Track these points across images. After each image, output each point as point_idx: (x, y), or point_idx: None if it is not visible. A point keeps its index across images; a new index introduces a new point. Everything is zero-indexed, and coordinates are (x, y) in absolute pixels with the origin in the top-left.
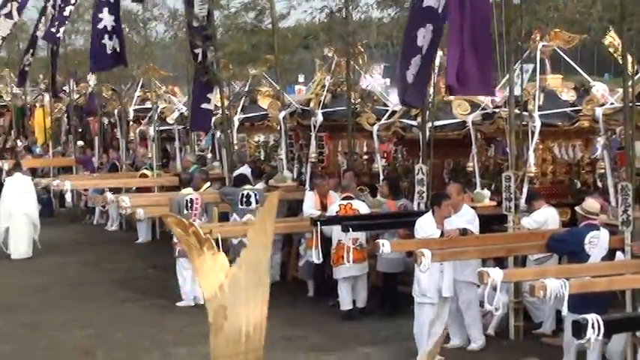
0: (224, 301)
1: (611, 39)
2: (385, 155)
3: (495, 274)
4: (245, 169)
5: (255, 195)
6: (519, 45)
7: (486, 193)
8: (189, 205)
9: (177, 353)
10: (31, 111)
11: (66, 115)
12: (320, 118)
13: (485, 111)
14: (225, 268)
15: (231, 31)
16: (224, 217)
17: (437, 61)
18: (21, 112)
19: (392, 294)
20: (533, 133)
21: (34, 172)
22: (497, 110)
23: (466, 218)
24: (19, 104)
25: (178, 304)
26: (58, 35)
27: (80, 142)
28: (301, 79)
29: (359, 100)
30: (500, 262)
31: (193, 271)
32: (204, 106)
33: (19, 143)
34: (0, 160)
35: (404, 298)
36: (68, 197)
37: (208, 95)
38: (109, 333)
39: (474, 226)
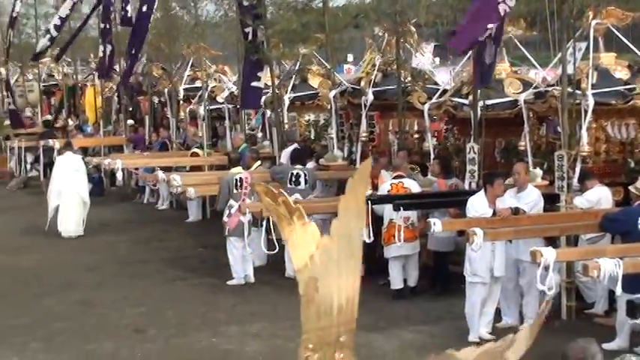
0: (315, 273)
1: None
2: (436, 134)
3: (548, 253)
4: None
5: (305, 175)
6: (572, 23)
7: (538, 172)
8: (238, 184)
9: (228, 332)
10: (82, 90)
11: (116, 94)
12: (371, 97)
13: (538, 89)
14: (316, 238)
15: (281, 10)
16: None
17: None
18: (72, 91)
19: (443, 273)
20: (586, 111)
21: (85, 151)
22: (549, 89)
23: (531, 198)
24: (70, 83)
25: (229, 282)
26: (129, 15)
27: (131, 121)
28: (350, 58)
29: (409, 78)
30: (553, 242)
31: (285, 241)
32: (254, 84)
33: (70, 122)
34: (51, 139)
35: (455, 277)
36: (119, 176)
37: (258, 74)
38: (160, 311)
39: (539, 207)
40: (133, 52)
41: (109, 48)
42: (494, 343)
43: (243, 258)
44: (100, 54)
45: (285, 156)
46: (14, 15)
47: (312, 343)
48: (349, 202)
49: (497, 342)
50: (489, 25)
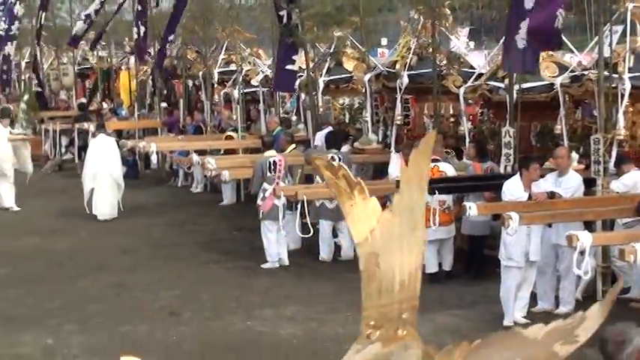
0: (376, 248)
1: None
2: (471, 118)
3: (584, 238)
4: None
5: (340, 158)
6: (609, 6)
7: (574, 156)
8: (272, 167)
9: (262, 315)
10: (116, 73)
11: (151, 77)
12: (406, 80)
13: (574, 73)
14: (378, 213)
15: None
16: (309, 179)
17: None
18: (106, 74)
19: (478, 257)
20: (622, 95)
21: (119, 134)
22: (585, 72)
23: (572, 184)
24: (105, 67)
25: (263, 265)
26: None
27: (164, 104)
28: (384, 42)
29: (445, 62)
30: (589, 226)
31: (345, 216)
32: (288, 67)
33: (104, 105)
34: (86, 122)
35: (490, 261)
36: (154, 159)
37: (293, 57)
38: (194, 294)
39: (579, 194)
40: (169, 35)
41: (142, 29)
42: (563, 321)
43: (277, 241)
44: (135, 36)
45: (319, 139)
46: None
47: (373, 320)
48: (411, 175)
49: (567, 319)
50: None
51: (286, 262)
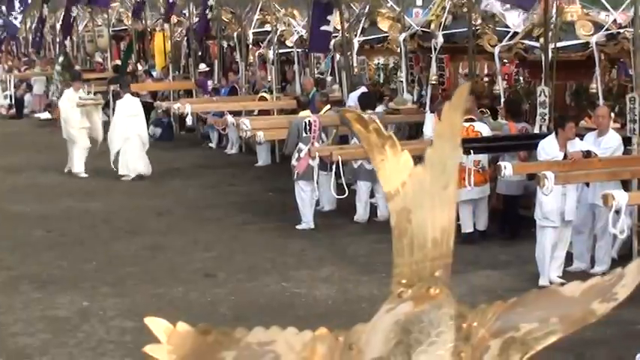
0: (407, 204)
1: None
2: (506, 77)
3: (620, 196)
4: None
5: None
6: None
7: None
8: (307, 127)
9: (298, 276)
10: (151, 35)
11: (186, 39)
12: (440, 40)
13: (610, 31)
14: (409, 167)
15: None
16: (344, 140)
17: None
18: (141, 36)
19: (512, 217)
20: None
21: (154, 96)
22: (621, 31)
23: (612, 144)
24: (140, 28)
25: (298, 226)
26: None
27: (203, 65)
28: (419, 2)
29: (480, 21)
30: (624, 186)
31: (376, 171)
32: (323, 28)
33: (139, 67)
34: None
35: (525, 221)
36: (189, 121)
37: (328, 17)
38: (230, 255)
39: (618, 154)
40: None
41: None
42: (601, 277)
43: (311, 202)
44: None
45: (352, 99)
46: None
47: (405, 278)
48: (444, 129)
49: (605, 276)
50: None
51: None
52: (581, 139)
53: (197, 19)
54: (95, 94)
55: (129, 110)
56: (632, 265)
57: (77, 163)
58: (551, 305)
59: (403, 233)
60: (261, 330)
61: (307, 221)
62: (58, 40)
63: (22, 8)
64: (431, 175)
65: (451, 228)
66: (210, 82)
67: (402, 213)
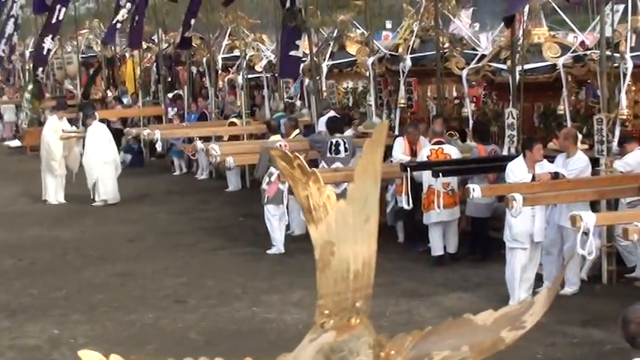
0: (331, 237)
1: None
2: (474, 99)
3: (588, 218)
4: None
5: (345, 143)
6: None
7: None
8: None
9: (269, 301)
10: (120, 61)
11: (155, 64)
12: (409, 63)
13: (576, 53)
14: (332, 202)
15: None
16: (314, 164)
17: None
18: (110, 62)
19: (482, 239)
20: (625, 74)
21: (124, 122)
22: (588, 52)
23: (578, 165)
24: (109, 55)
25: (268, 251)
26: None
27: (178, 92)
28: (388, 25)
29: (448, 44)
30: (594, 206)
31: (300, 206)
32: (292, 53)
33: (109, 94)
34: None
35: (495, 243)
36: (159, 147)
37: (297, 42)
38: (200, 281)
39: (585, 175)
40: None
41: (136, 17)
42: (511, 307)
43: (280, 226)
44: (135, 24)
45: (322, 123)
46: None
47: (327, 309)
48: (365, 166)
49: (515, 305)
50: None
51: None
52: (551, 161)
53: (166, 45)
54: (78, 125)
55: (101, 136)
56: (540, 295)
57: (53, 192)
58: (463, 334)
59: (326, 266)
60: None
61: (277, 246)
62: (27, 67)
63: None
64: (353, 209)
65: (372, 261)
66: (170, 110)
67: (325, 246)
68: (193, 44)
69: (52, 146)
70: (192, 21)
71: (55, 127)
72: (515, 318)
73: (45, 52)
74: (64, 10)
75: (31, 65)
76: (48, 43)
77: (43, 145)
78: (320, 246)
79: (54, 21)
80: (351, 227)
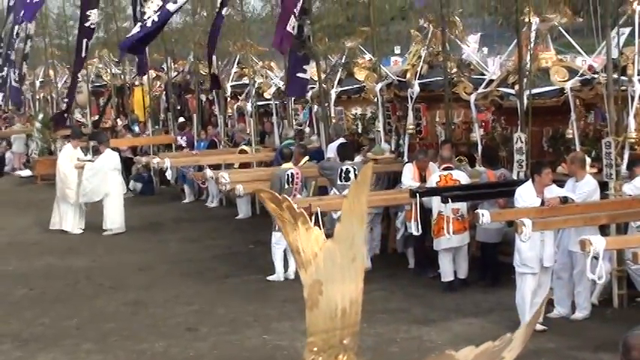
0: (319, 276)
1: None
2: (483, 124)
3: (597, 242)
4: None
5: (355, 170)
6: (615, 8)
7: (587, 160)
8: (290, 179)
9: (280, 328)
10: (130, 90)
11: (164, 93)
12: (417, 89)
13: (584, 77)
14: (320, 242)
15: (327, 4)
16: (324, 191)
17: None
18: (120, 91)
19: (492, 264)
20: (632, 97)
21: (134, 151)
22: (595, 76)
23: (586, 189)
24: (118, 83)
25: (269, 277)
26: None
27: (181, 119)
28: (397, 50)
29: (455, 69)
30: (603, 230)
31: (289, 246)
32: (299, 75)
33: (118, 122)
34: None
35: (505, 268)
36: (169, 175)
37: (304, 66)
38: (212, 309)
39: (594, 198)
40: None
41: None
42: (492, 343)
43: (281, 255)
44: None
45: (331, 150)
46: None
47: (316, 346)
48: (352, 206)
49: (496, 341)
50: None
51: (292, 275)
52: (561, 185)
53: (175, 73)
54: (86, 153)
55: (111, 164)
56: (519, 331)
57: (71, 222)
58: None
59: (315, 304)
60: None
61: (277, 274)
62: (37, 97)
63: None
64: (340, 249)
65: (359, 299)
66: (179, 138)
67: (314, 285)
68: (202, 72)
69: (67, 174)
70: (214, 57)
71: (70, 156)
72: (494, 354)
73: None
74: (90, 42)
75: (41, 95)
76: (80, 77)
77: (59, 174)
78: (309, 285)
79: (83, 55)
80: (338, 267)
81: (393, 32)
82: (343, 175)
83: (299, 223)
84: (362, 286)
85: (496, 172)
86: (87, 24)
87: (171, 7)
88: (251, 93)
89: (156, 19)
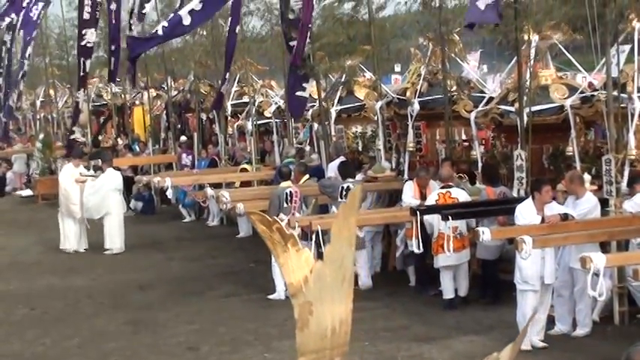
0: (309, 297)
1: None
2: (483, 142)
3: (598, 259)
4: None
5: None
6: (615, 26)
7: (587, 177)
8: (289, 197)
9: (280, 347)
10: (130, 109)
11: (165, 112)
12: (417, 107)
13: (584, 94)
14: (310, 263)
15: (327, 23)
16: (324, 209)
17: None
18: (120, 110)
19: (492, 282)
20: (632, 115)
21: (135, 170)
22: (595, 93)
23: (585, 206)
24: (119, 103)
25: (269, 296)
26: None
27: (183, 138)
28: (397, 68)
29: (455, 87)
30: (604, 247)
31: (279, 267)
32: (299, 93)
33: (119, 142)
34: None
35: (506, 285)
36: (169, 194)
37: (304, 84)
38: (213, 328)
39: (594, 215)
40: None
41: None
42: None
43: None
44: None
45: (332, 169)
46: None
47: None
48: (341, 228)
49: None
50: None
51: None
52: (562, 203)
53: (175, 92)
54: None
55: (112, 184)
56: (505, 351)
57: (75, 240)
58: None
59: (305, 325)
60: None
61: (278, 292)
62: (38, 117)
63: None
64: (330, 270)
65: (348, 319)
66: (185, 156)
67: (304, 306)
68: (202, 91)
69: (69, 190)
70: (227, 74)
71: (71, 173)
72: None
73: (79, 105)
74: (88, 62)
75: (42, 115)
76: (81, 97)
77: (61, 191)
78: (299, 305)
79: (82, 74)
80: (328, 287)
81: (394, 50)
82: (344, 192)
83: (289, 244)
84: (351, 306)
85: (496, 190)
86: (83, 43)
87: (186, 19)
88: (251, 111)
89: (166, 24)
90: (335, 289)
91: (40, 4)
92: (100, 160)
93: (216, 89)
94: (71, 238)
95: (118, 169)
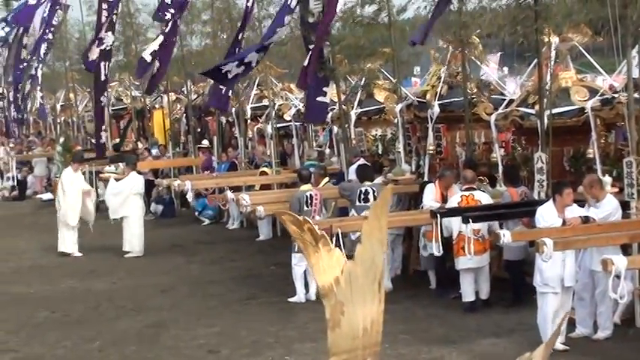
0: (341, 297)
1: None
2: (504, 144)
3: (619, 261)
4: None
5: (374, 191)
6: (636, 28)
7: (608, 179)
8: (308, 201)
9: (302, 349)
10: (150, 113)
11: (184, 115)
12: (437, 109)
13: (604, 96)
14: (341, 264)
15: (347, 26)
16: (344, 212)
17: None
18: (140, 114)
19: (519, 283)
20: None
21: (155, 173)
22: (616, 95)
23: (606, 208)
24: (139, 106)
25: (290, 299)
26: None
27: (205, 142)
28: (417, 71)
29: (475, 90)
30: (625, 250)
31: (309, 267)
32: (319, 99)
33: (139, 145)
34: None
35: (526, 288)
36: (190, 197)
37: (324, 89)
38: (233, 331)
39: (615, 218)
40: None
41: (156, 65)
42: None
43: (301, 276)
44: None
45: (352, 172)
46: None
47: None
48: (372, 229)
49: None
50: None
51: (313, 296)
52: (582, 205)
53: (195, 95)
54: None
55: (134, 188)
56: (538, 350)
57: (69, 244)
58: None
59: (337, 325)
60: None
61: (298, 295)
62: (58, 120)
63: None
64: (361, 270)
65: (379, 319)
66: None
67: (335, 306)
68: None
69: (67, 195)
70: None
71: (70, 179)
72: None
73: (103, 107)
74: (108, 65)
75: (62, 118)
76: (104, 99)
77: (57, 197)
78: (330, 306)
79: (102, 78)
80: (359, 287)
81: (413, 53)
82: (362, 196)
83: (320, 244)
84: (382, 306)
85: (518, 190)
86: (102, 47)
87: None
88: (271, 115)
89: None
90: (366, 289)
91: (49, 4)
92: (125, 163)
93: (234, 91)
94: (68, 241)
95: (140, 173)
